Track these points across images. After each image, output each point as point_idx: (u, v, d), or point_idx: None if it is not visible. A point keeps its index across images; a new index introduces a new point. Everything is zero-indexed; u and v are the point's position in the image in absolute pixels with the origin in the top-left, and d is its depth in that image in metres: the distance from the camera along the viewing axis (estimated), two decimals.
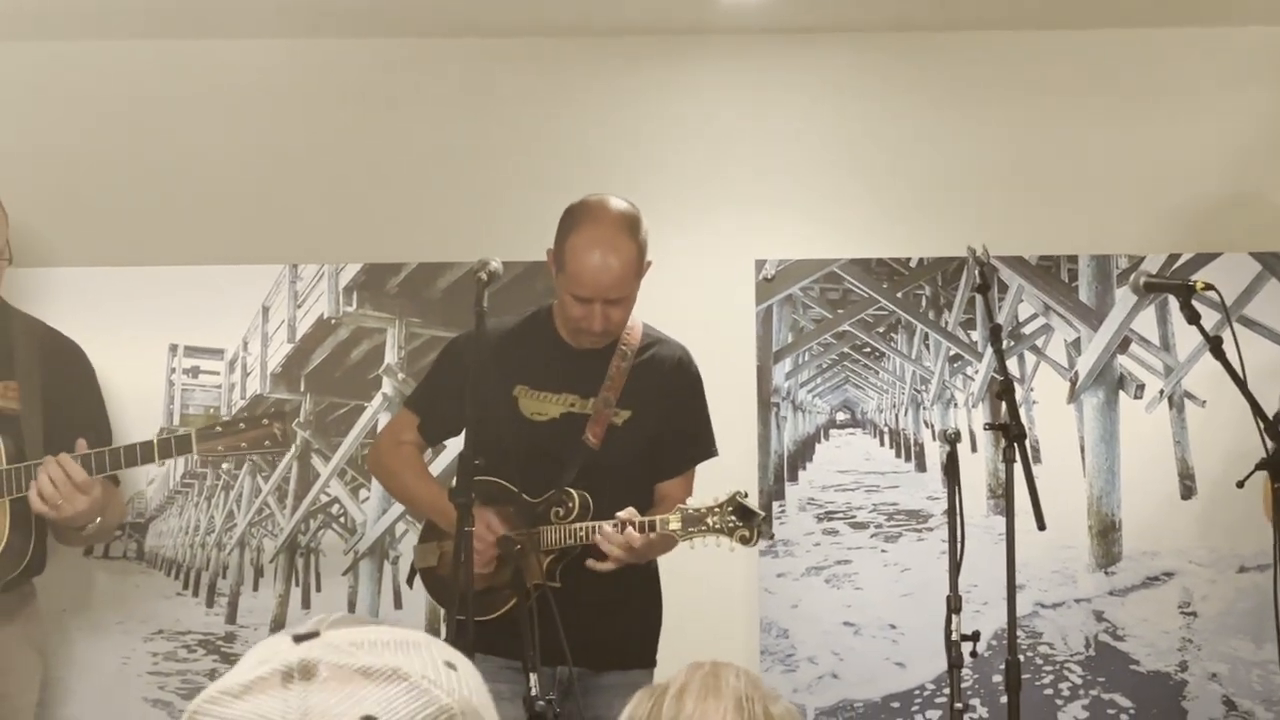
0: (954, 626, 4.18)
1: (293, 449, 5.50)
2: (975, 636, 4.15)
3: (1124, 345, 5.57)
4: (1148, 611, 5.52)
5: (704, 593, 5.27)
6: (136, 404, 5.43)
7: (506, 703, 4.18)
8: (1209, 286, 4.64)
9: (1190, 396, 5.56)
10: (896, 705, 5.48)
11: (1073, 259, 5.59)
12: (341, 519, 5.60)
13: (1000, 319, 5.37)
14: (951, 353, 5.64)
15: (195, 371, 5.62)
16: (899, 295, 5.64)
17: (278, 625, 5.50)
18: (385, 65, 5.64)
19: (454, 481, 4.17)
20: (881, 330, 5.67)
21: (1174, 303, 5.13)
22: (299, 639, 1.25)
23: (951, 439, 4.34)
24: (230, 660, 5.29)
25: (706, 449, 4.59)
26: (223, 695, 1.24)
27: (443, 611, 4.94)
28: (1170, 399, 5.57)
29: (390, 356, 5.60)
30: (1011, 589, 4.23)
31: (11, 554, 4.60)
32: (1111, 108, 5.64)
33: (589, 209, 4.37)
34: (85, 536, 4.71)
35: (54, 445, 4.55)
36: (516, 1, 5.37)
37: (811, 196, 5.62)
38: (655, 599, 4.57)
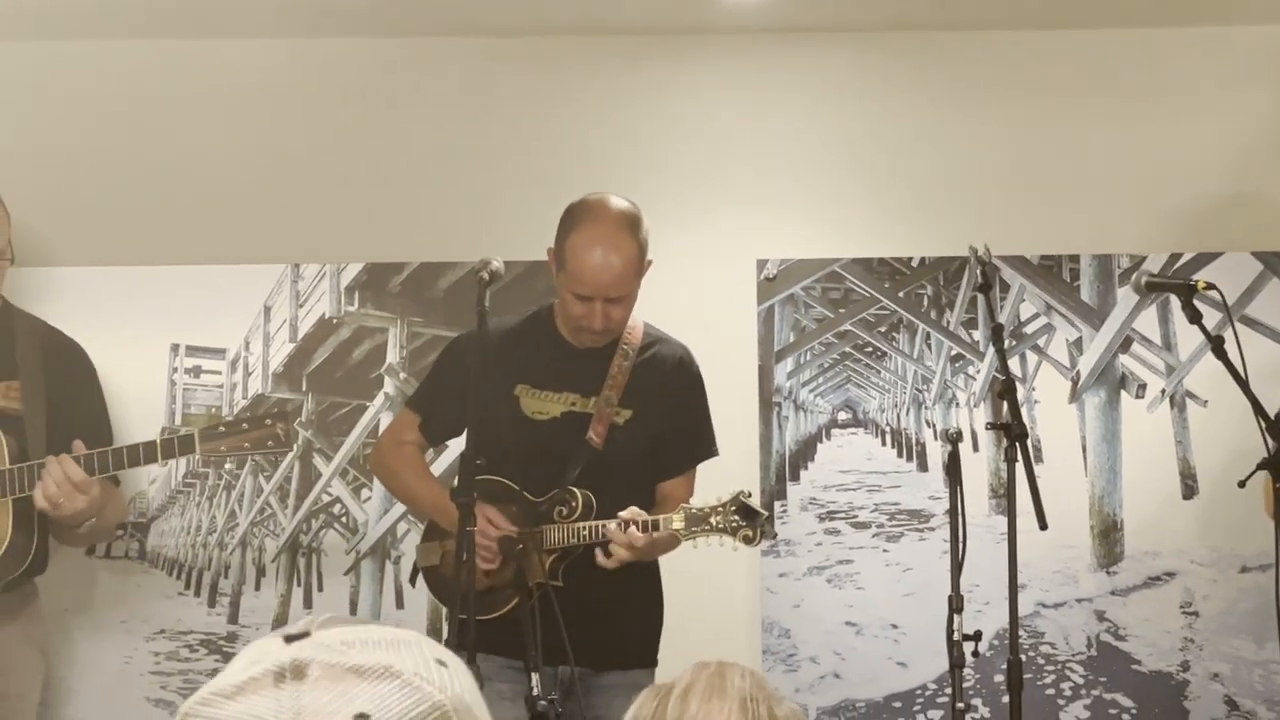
0: (956, 626, 4.18)
1: (294, 449, 5.49)
2: (977, 636, 4.15)
3: (1126, 345, 5.57)
4: (1149, 611, 5.52)
5: (706, 592, 5.26)
6: (138, 404, 5.43)
7: (508, 702, 4.19)
8: (1210, 286, 4.64)
9: (1192, 396, 5.56)
10: (898, 705, 5.47)
11: (1074, 259, 5.59)
12: (343, 519, 5.60)
13: (1002, 318, 5.38)
14: (953, 352, 5.64)
15: (197, 371, 5.62)
16: (901, 295, 5.64)
17: (280, 625, 5.47)
18: (385, 65, 5.64)
19: (456, 481, 4.16)
20: (883, 330, 5.66)
21: (1176, 302, 5.13)
22: (290, 639, 1.25)
23: (953, 438, 4.34)
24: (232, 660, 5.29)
25: (708, 448, 4.59)
26: (215, 696, 1.24)
27: (445, 611, 4.95)
28: (1172, 398, 5.57)
29: (392, 356, 5.60)
30: (1013, 589, 4.22)
31: (14, 554, 4.60)
32: (1112, 107, 5.64)
33: (589, 208, 4.38)
34: (82, 536, 4.72)
35: (56, 445, 4.55)
36: (516, 1, 5.37)
37: (813, 196, 5.62)
38: (657, 599, 4.57)
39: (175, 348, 5.61)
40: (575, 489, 4.36)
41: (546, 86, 5.63)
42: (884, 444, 5.66)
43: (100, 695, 5.47)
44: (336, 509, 5.61)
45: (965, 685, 4.35)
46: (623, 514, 4.23)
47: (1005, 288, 5.58)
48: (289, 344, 5.64)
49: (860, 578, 5.56)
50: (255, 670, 1.23)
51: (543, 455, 4.38)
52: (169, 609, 5.57)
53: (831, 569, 5.56)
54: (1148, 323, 5.58)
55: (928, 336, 5.65)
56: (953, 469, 4.29)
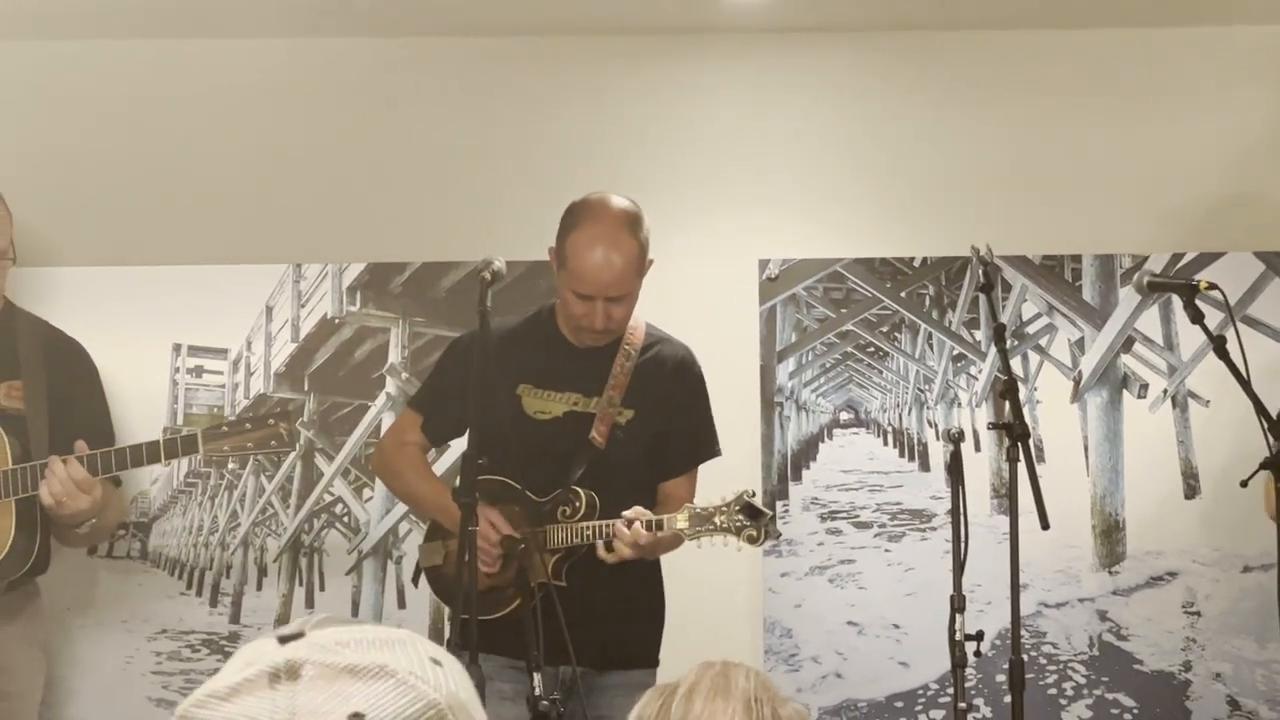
0: (958, 626, 4.18)
1: (296, 449, 5.49)
2: (979, 636, 4.15)
3: (1128, 345, 5.57)
4: (1151, 611, 5.52)
5: (708, 592, 5.27)
6: (140, 403, 5.43)
7: (510, 702, 4.19)
8: (1212, 286, 4.64)
9: (1194, 396, 5.55)
10: (900, 705, 5.47)
11: (1076, 259, 5.59)
12: (345, 518, 5.60)
13: (1004, 318, 5.39)
14: (955, 352, 5.64)
15: (199, 371, 5.62)
16: (903, 295, 5.64)
17: (282, 625, 5.49)
18: (385, 65, 5.64)
19: (458, 481, 4.16)
20: (885, 330, 5.66)
21: (1177, 302, 5.13)
22: (284, 640, 1.25)
23: (955, 438, 4.34)
24: None
25: (710, 449, 4.59)
26: (210, 698, 1.23)
27: (446, 610, 4.95)
28: (1174, 398, 5.57)
29: (394, 356, 5.60)
30: (1015, 588, 4.22)
31: (16, 553, 4.61)
32: (1112, 107, 5.64)
33: (590, 206, 4.38)
34: (82, 536, 4.72)
35: (58, 445, 4.56)
36: (516, 1, 5.37)
37: (815, 196, 5.62)
38: (659, 599, 4.56)
39: (177, 348, 5.61)
40: (579, 488, 4.36)
41: (547, 86, 5.63)
42: (886, 444, 5.66)
43: (102, 695, 5.47)
44: (338, 509, 5.61)
45: (967, 685, 4.35)
46: (627, 513, 4.23)
47: (1007, 288, 5.58)
48: (291, 344, 5.64)
49: (862, 577, 5.56)
50: (250, 672, 1.23)
51: (545, 455, 4.38)
52: (171, 609, 5.57)
53: (833, 569, 5.56)
54: (1150, 323, 5.58)
55: (930, 336, 5.65)
56: (955, 469, 4.29)
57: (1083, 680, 5.49)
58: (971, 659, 4.19)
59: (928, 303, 5.65)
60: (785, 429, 5.61)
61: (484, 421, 4.12)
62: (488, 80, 5.63)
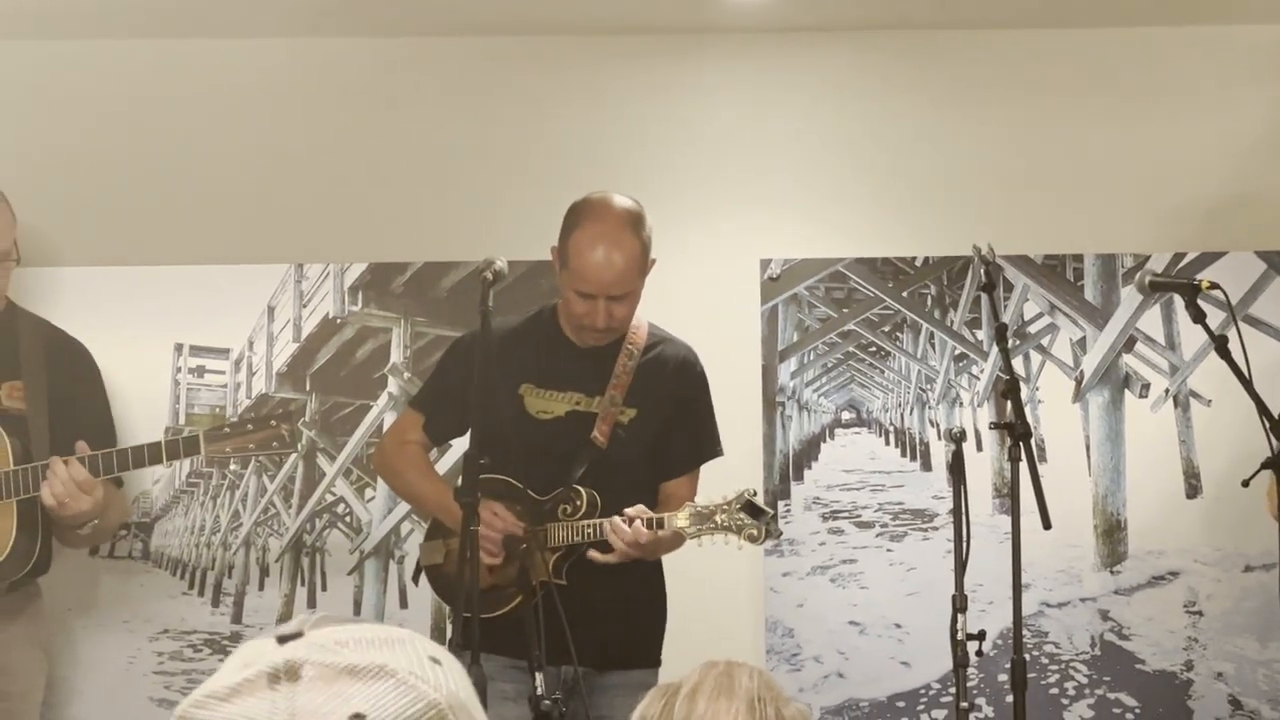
0: (959, 626, 4.18)
1: (298, 449, 5.49)
2: (981, 636, 4.15)
3: (1129, 344, 5.57)
4: (1153, 611, 5.51)
5: (709, 592, 5.26)
6: (142, 403, 5.44)
7: (511, 702, 4.19)
8: (1214, 285, 4.64)
9: (1195, 395, 5.55)
10: (902, 704, 5.47)
11: (1078, 258, 5.59)
12: (347, 518, 5.60)
13: (1005, 318, 5.38)
14: (957, 352, 5.64)
15: (201, 371, 5.63)
16: (904, 294, 5.64)
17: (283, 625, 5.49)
18: (385, 65, 5.64)
19: (459, 481, 4.16)
20: (887, 329, 5.66)
21: (1179, 302, 5.12)
22: (283, 640, 1.24)
23: (957, 438, 4.34)
24: None
25: (712, 449, 4.59)
26: (209, 699, 1.23)
27: (448, 610, 4.95)
28: (1175, 398, 5.57)
29: (395, 356, 5.60)
30: (1017, 588, 4.22)
31: (18, 554, 4.61)
32: (1112, 107, 5.64)
33: (593, 206, 4.38)
34: (83, 537, 4.72)
35: (60, 445, 4.56)
36: (516, 1, 5.37)
37: (815, 196, 5.62)
38: (660, 598, 4.56)
39: (179, 348, 5.61)
40: (580, 487, 4.36)
41: (547, 86, 5.63)
42: (888, 444, 5.66)
43: (103, 695, 5.47)
44: (340, 509, 5.61)
45: (969, 685, 4.35)
46: (628, 511, 4.23)
47: (1009, 287, 5.57)
48: (293, 344, 5.64)
49: (864, 577, 5.55)
50: (249, 672, 1.23)
51: (547, 454, 4.38)
52: (172, 609, 5.57)
53: (835, 568, 5.56)
54: (1151, 322, 5.58)
55: (931, 336, 5.65)
56: (956, 468, 4.29)
57: (1084, 680, 5.49)
58: (973, 659, 4.19)
59: (929, 302, 5.65)
60: (787, 429, 5.61)
61: (485, 421, 4.12)
62: (488, 80, 5.63)
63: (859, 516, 5.59)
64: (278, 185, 5.60)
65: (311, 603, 5.56)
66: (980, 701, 5.41)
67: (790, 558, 5.54)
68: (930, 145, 5.63)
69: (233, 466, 5.61)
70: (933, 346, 5.65)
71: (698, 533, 4.21)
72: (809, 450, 5.64)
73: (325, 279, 5.62)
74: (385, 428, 5.40)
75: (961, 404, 5.63)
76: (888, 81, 5.66)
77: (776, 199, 5.61)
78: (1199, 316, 4.56)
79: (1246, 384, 4.49)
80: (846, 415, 5.67)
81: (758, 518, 4.17)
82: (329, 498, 5.61)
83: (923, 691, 5.47)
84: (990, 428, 5.47)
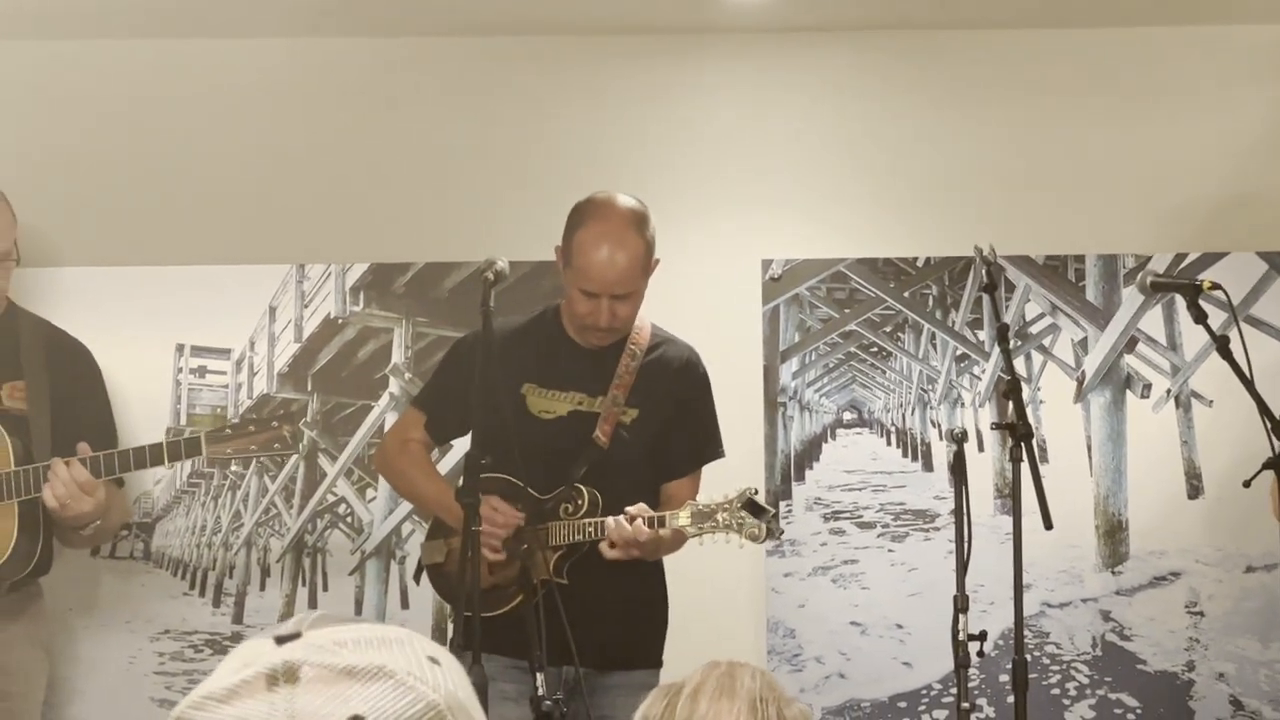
0: (961, 626, 4.18)
1: (300, 449, 5.49)
2: (982, 636, 4.15)
3: (1131, 345, 5.57)
4: (1154, 611, 5.51)
5: (710, 593, 5.26)
6: (143, 404, 5.44)
7: (512, 703, 4.19)
8: (1216, 286, 4.64)
9: (1197, 396, 5.55)
10: (903, 705, 5.47)
11: (1080, 258, 5.59)
12: (348, 519, 5.60)
13: (1007, 318, 5.38)
14: (958, 352, 5.63)
15: (202, 371, 5.63)
16: (906, 295, 5.64)
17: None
18: (385, 65, 5.64)
19: (461, 480, 4.16)
20: (888, 330, 5.66)
21: (1181, 302, 5.12)
22: (281, 640, 1.24)
23: (958, 438, 4.34)
24: None
25: (714, 450, 4.59)
26: (207, 700, 1.22)
27: (448, 609, 4.95)
28: (1177, 398, 5.56)
29: (397, 356, 5.60)
30: (1018, 588, 4.22)
31: (19, 555, 4.60)
32: (1113, 107, 5.64)
33: (597, 205, 4.38)
34: (85, 538, 4.72)
35: (61, 446, 4.56)
36: (517, 1, 5.37)
37: (817, 196, 5.62)
38: (662, 599, 4.56)
39: (180, 348, 5.61)
40: (582, 486, 4.36)
41: (548, 86, 5.63)
42: (889, 444, 5.66)
43: (105, 695, 5.47)
44: (341, 509, 5.61)
45: (970, 685, 4.35)
46: (630, 509, 4.23)
47: (1010, 288, 5.57)
48: (294, 344, 5.64)
49: (865, 578, 5.55)
50: (247, 673, 1.22)
51: (549, 454, 4.38)
52: (174, 609, 5.57)
53: (836, 569, 5.55)
54: (1153, 323, 5.57)
55: (933, 336, 5.64)
56: (958, 469, 4.29)
57: (1086, 680, 5.49)
58: (975, 659, 4.19)
59: (931, 303, 5.64)
60: (788, 429, 5.61)
61: (487, 421, 4.12)
62: (488, 80, 5.63)
63: (860, 517, 5.59)
64: (278, 185, 5.60)
65: (313, 603, 5.55)
66: (981, 702, 5.41)
67: (792, 558, 5.54)
68: (931, 145, 5.63)
69: (234, 467, 5.61)
70: (934, 347, 5.65)
71: (699, 531, 4.21)
72: (810, 451, 5.64)
73: (327, 279, 5.62)
74: (387, 428, 5.40)
75: (963, 404, 5.63)
76: (888, 81, 5.65)
77: (777, 199, 5.60)
78: (1200, 317, 4.56)
79: (1248, 384, 4.49)
80: (848, 416, 5.67)
81: (759, 516, 4.17)
82: (330, 498, 5.61)
83: (924, 692, 5.47)
84: (992, 428, 5.47)
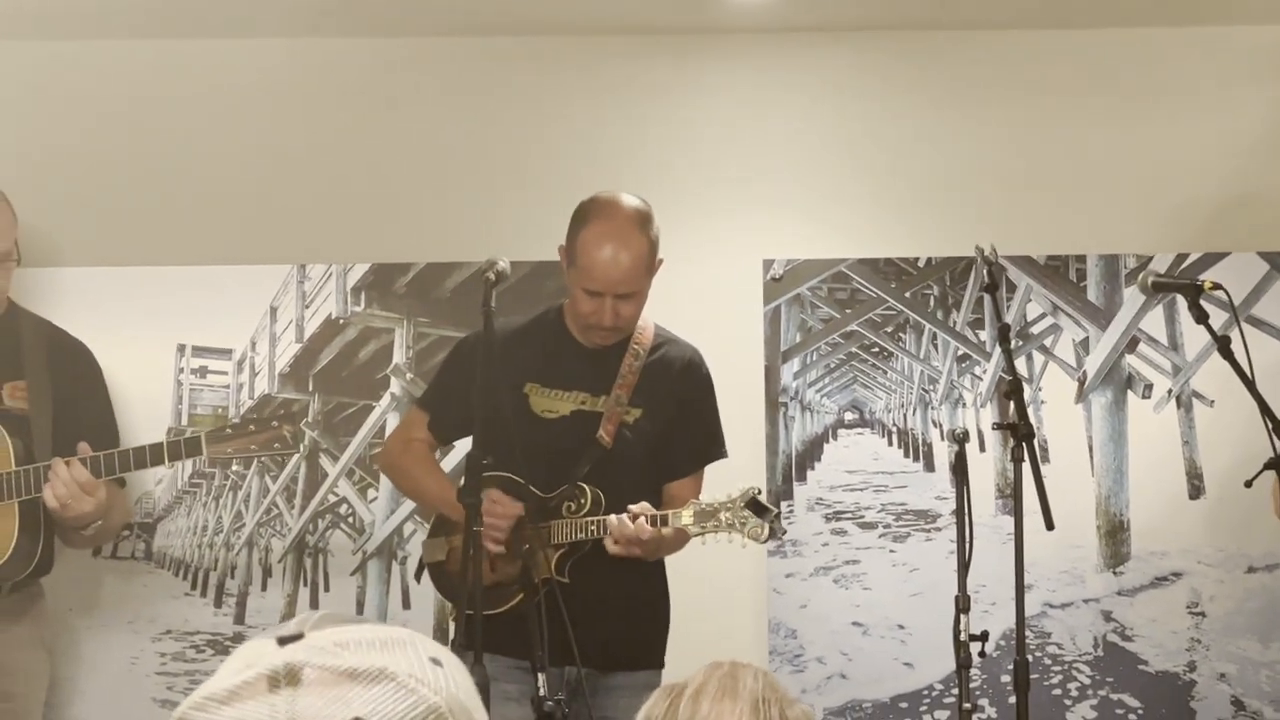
0: (962, 626, 4.18)
1: (301, 449, 5.49)
2: (984, 636, 4.15)
3: (1132, 345, 5.57)
4: (1156, 611, 5.51)
5: (712, 593, 5.26)
6: (144, 404, 5.44)
7: (514, 703, 4.19)
8: (1217, 286, 4.64)
9: (1198, 396, 5.55)
10: (905, 705, 5.47)
11: (1081, 259, 5.58)
12: (350, 519, 5.60)
13: (1008, 318, 5.38)
14: (960, 352, 5.63)
15: (203, 371, 5.62)
16: (907, 295, 5.63)
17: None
18: (386, 65, 5.64)
19: (462, 480, 4.16)
20: (890, 330, 5.66)
21: (1182, 302, 5.11)
22: (283, 641, 1.24)
23: (960, 439, 4.34)
24: None
25: (717, 450, 4.60)
26: (209, 701, 1.22)
27: (449, 608, 4.95)
28: (1178, 399, 5.56)
29: (398, 356, 5.60)
30: (1020, 589, 4.22)
31: (20, 555, 4.60)
32: (1113, 107, 5.64)
33: (601, 204, 4.39)
34: (86, 538, 4.72)
35: (62, 445, 4.56)
36: (517, 1, 5.37)
37: (817, 196, 5.62)
38: (663, 599, 4.56)
39: (181, 348, 5.61)
40: (585, 485, 4.36)
41: (548, 86, 5.63)
42: (890, 444, 5.66)
43: (106, 695, 5.47)
44: (343, 509, 5.61)
45: (972, 686, 4.35)
46: (633, 507, 4.23)
47: (1012, 288, 5.57)
48: (295, 344, 5.64)
49: (867, 578, 5.55)
50: (249, 674, 1.22)
51: (552, 453, 4.39)
52: (175, 609, 5.57)
53: (838, 569, 5.55)
54: (1154, 323, 5.57)
55: (934, 337, 5.64)
56: (959, 469, 4.29)
57: (1087, 681, 5.49)
58: (976, 659, 4.19)
59: (932, 303, 5.64)
60: (790, 429, 5.61)
61: (488, 421, 4.12)
62: (488, 80, 5.62)
63: (862, 517, 5.59)
64: (279, 186, 5.60)
65: (314, 603, 5.55)
66: (983, 702, 5.41)
67: (793, 558, 5.54)
68: (932, 145, 5.62)
69: (235, 467, 5.61)
70: (935, 347, 5.65)
71: (702, 530, 4.21)
72: (812, 451, 5.64)
73: (328, 279, 5.62)
74: (388, 428, 5.41)
75: (964, 405, 5.63)
76: (888, 82, 5.65)
77: (778, 199, 5.60)
78: (1202, 317, 4.56)
79: (1249, 385, 4.49)
80: (849, 416, 5.67)
81: (762, 515, 4.17)
82: (332, 498, 5.61)
83: (926, 692, 5.47)
84: (993, 428, 5.47)
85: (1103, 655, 5.50)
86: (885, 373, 5.67)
